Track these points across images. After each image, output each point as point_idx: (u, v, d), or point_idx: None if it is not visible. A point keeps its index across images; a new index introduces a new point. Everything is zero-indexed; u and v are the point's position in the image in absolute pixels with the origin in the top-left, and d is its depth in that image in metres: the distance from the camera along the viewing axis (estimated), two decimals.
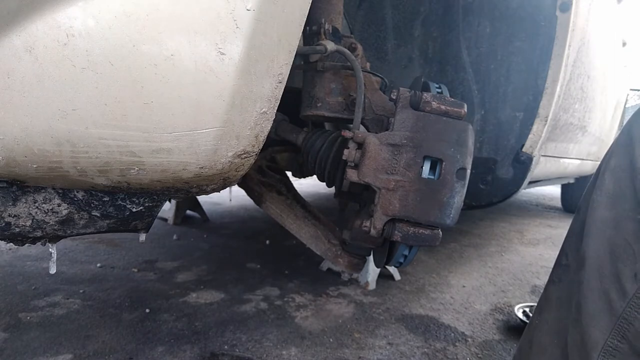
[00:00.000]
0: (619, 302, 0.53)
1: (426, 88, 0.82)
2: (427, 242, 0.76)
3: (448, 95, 0.79)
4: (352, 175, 0.76)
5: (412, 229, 0.75)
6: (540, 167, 1.66)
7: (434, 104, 0.75)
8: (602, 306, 0.55)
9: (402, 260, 0.84)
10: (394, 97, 0.78)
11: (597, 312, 0.56)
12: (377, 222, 0.76)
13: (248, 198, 1.31)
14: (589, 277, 0.57)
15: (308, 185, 4.39)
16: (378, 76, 0.95)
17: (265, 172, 1.30)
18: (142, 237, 0.77)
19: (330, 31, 0.88)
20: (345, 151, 0.77)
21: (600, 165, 0.65)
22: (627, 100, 3.58)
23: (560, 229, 3.16)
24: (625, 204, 0.56)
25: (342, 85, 0.92)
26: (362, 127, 0.88)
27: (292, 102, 1.03)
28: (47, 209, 0.63)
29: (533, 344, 0.69)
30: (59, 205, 0.64)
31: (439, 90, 0.81)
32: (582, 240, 0.63)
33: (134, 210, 0.69)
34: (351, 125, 0.87)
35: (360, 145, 0.77)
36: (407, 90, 0.78)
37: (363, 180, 0.75)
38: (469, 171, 0.75)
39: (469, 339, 1.30)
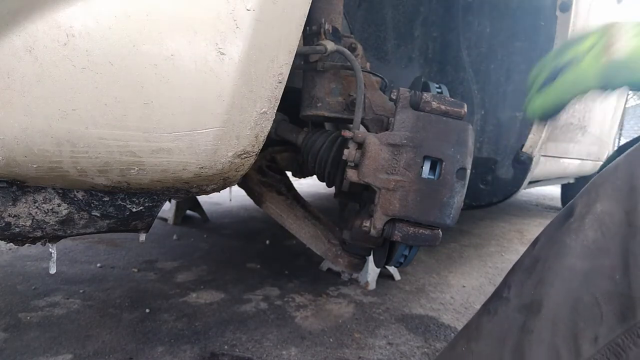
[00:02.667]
0: None
1: (426, 88, 0.82)
2: (427, 242, 0.76)
3: (448, 95, 0.79)
4: (352, 175, 0.76)
5: (412, 229, 0.75)
6: (540, 167, 1.66)
7: (434, 104, 0.75)
8: None
9: (402, 260, 0.84)
10: (394, 97, 0.78)
11: None
12: (377, 222, 0.76)
13: (248, 198, 1.31)
14: (540, 326, 0.51)
15: (308, 185, 4.39)
16: (378, 76, 0.95)
17: (265, 172, 1.30)
18: (142, 237, 0.77)
19: (330, 31, 0.88)
20: (345, 151, 0.77)
21: (574, 204, 0.57)
22: (627, 100, 3.58)
23: None
24: (606, 259, 0.49)
25: (342, 85, 0.92)
26: (362, 127, 0.88)
27: (292, 102, 1.03)
28: (47, 209, 0.63)
29: None
30: (59, 205, 0.64)
31: (439, 90, 0.81)
32: (531, 278, 0.57)
33: (134, 210, 0.69)
34: (351, 125, 0.87)
35: (360, 145, 0.77)
36: (407, 90, 0.78)
37: (363, 180, 0.75)
38: (469, 171, 0.75)
39: None
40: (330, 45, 0.84)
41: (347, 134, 0.78)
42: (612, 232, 0.50)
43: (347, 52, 0.85)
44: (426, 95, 0.75)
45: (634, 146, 0.54)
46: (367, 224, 0.79)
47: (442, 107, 0.75)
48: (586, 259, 0.51)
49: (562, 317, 0.50)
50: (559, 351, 0.49)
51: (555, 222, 0.60)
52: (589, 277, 0.49)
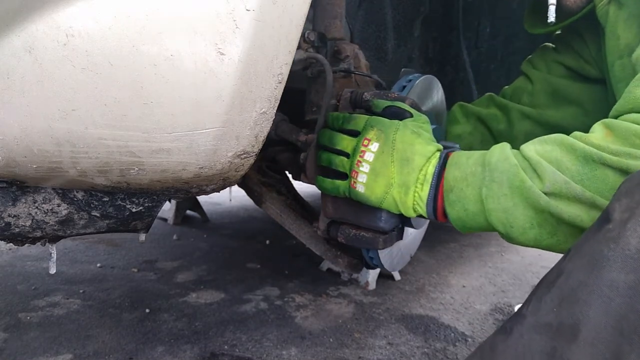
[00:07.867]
0: None
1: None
2: (368, 244, 0.75)
3: (414, 88, 0.78)
4: (303, 178, 0.77)
5: (353, 231, 0.75)
6: None
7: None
8: None
9: (373, 262, 0.84)
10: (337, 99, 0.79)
11: None
12: (320, 224, 0.78)
13: (248, 198, 1.31)
14: (580, 354, 0.46)
15: (308, 185, 4.40)
16: (371, 77, 0.95)
17: (265, 172, 1.30)
18: (142, 237, 0.77)
19: (312, 38, 0.87)
20: (302, 154, 0.77)
21: (610, 209, 0.49)
22: None
23: None
24: None
25: (336, 89, 0.93)
26: None
27: (292, 102, 1.04)
28: (47, 209, 0.63)
29: None
30: (58, 205, 0.64)
31: (405, 84, 0.81)
32: (550, 293, 0.51)
33: (134, 210, 0.69)
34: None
35: None
36: (349, 90, 0.78)
37: (311, 182, 0.76)
38: None
39: (469, 339, 1.30)
40: (298, 54, 0.83)
41: (302, 137, 0.79)
42: None
43: (319, 56, 0.84)
44: (366, 94, 0.75)
45: None
46: (316, 224, 0.80)
47: None
48: (631, 272, 0.44)
49: (604, 340, 0.44)
50: None
51: (588, 230, 0.52)
52: (634, 292, 0.43)
